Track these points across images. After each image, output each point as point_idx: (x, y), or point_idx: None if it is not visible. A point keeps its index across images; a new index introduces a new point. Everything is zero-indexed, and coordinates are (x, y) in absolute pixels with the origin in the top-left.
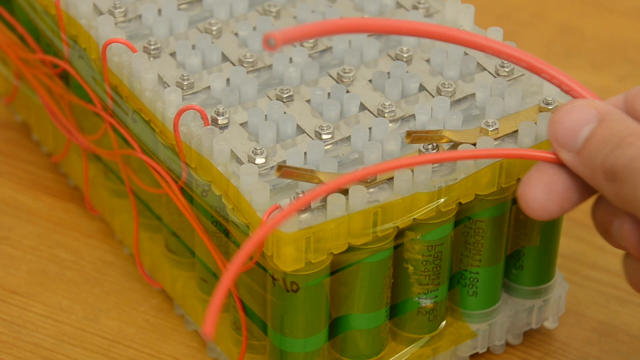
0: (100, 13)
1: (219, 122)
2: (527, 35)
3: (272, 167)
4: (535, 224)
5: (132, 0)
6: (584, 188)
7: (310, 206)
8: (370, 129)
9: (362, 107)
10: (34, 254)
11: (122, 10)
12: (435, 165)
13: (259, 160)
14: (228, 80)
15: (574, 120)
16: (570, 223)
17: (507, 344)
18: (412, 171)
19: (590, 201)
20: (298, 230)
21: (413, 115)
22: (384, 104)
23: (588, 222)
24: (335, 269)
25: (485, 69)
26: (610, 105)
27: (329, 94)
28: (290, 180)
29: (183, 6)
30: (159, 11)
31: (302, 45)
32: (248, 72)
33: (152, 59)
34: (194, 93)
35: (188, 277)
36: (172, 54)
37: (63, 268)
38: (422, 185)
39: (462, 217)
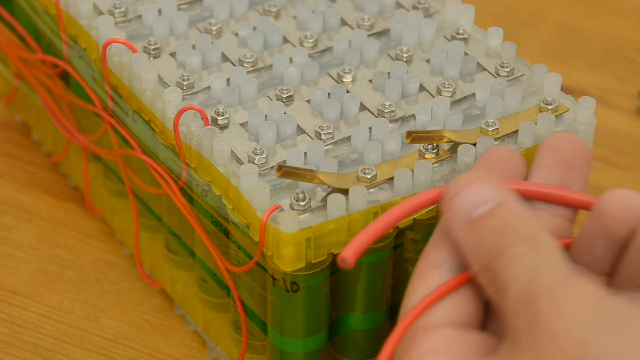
0: (100, 13)
1: (219, 122)
2: (527, 35)
3: (272, 167)
4: None
5: (132, 0)
6: None
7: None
8: (370, 129)
9: (362, 107)
10: (34, 254)
11: (122, 10)
12: (435, 165)
13: (259, 160)
14: (228, 80)
15: (473, 193)
16: None
17: None
18: (412, 171)
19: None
20: (298, 230)
21: (413, 115)
22: (384, 104)
23: None
24: (335, 269)
25: (485, 69)
26: (509, 190)
27: (329, 94)
28: (290, 180)
29: (183, 6)
30: (159, 11)
31: (302, 45)
32: (248, 72)
33: (152, 59)
34: (194, 93)
35: (188, 277)
36: (172, 54)
37: (63, 268)
38: (422, 185)
39: None
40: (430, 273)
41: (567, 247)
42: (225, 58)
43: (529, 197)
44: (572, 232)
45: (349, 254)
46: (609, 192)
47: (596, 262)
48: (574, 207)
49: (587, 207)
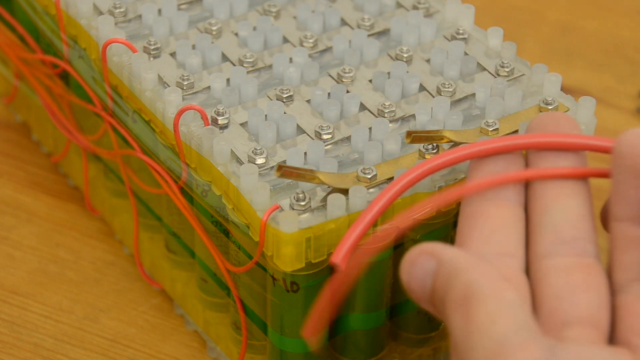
0: (100, 13)
1: (219, 122)
2: (527, 35)
3: (272, 167)
4: None
5: (132, 0)
6: None
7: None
8: (370, 129)
9: (362, 107)
10: (34, 254)
11: (122, 10)
12: None
13: (259, 160)
14: (228, 80)
15: (419, 272)
16: None
17: None
18: None
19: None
20: (298, 230)
21: (413, 115)
22: (384, 104)
23: None
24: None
25: (485, 69)
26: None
27: (329, 94)
28: (290, 180)
29: (183, 6)
30: (159, 11)
31: (302, 45)
32: (248, 72)
33: (152, 59)
34: (194, 93)
35: (188, 277)
36: (172, 54)
37: (63, 268)
38: (422, 185)
39: None
40: None
41: (606, 208)
42: (225, 58)
43: (544, 149)
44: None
45: (338, 259)
46: (624, 133)
47: None
48: (593, 150)
49: (606, 150)
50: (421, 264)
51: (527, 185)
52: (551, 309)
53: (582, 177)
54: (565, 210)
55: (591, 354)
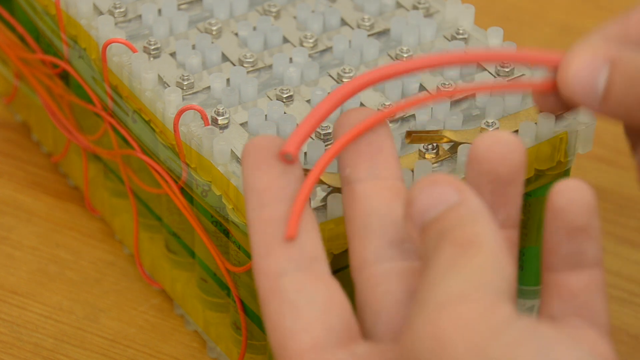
0: (100, 13)
1: (219, 122)
2: (527, 35)
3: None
4: (535, 224)
5: (132, 0)
6: None
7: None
8: None
9: None
10: (34, 254)
11: (122, 10)
12: (435, 165)
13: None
14: (228, 80)
15: (428, 197)
16: None
17: None
18: (412, 172)
19: None
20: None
21: (413, 115)
22: (384, 104)
23: None
24: (335, 269)
25: (485, 69)
26: (468, 190)
27: (328, 94)
28: None
29: (183, 6)
30: (159, 11)
31: (302, 45)
32: (248, 72)
33: (152, 59)
34: (194, 93)
35: (188, 277)
36: (172, 54)
37: (63, 268)
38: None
39: None
40: None
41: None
42: (225, 58)
43: (481, 61)
44: None
45: (291, 148)
46: (479, 136)
47: (498, 214)
48: (535, 64)
49: (551, 63)
50: (442, 192)
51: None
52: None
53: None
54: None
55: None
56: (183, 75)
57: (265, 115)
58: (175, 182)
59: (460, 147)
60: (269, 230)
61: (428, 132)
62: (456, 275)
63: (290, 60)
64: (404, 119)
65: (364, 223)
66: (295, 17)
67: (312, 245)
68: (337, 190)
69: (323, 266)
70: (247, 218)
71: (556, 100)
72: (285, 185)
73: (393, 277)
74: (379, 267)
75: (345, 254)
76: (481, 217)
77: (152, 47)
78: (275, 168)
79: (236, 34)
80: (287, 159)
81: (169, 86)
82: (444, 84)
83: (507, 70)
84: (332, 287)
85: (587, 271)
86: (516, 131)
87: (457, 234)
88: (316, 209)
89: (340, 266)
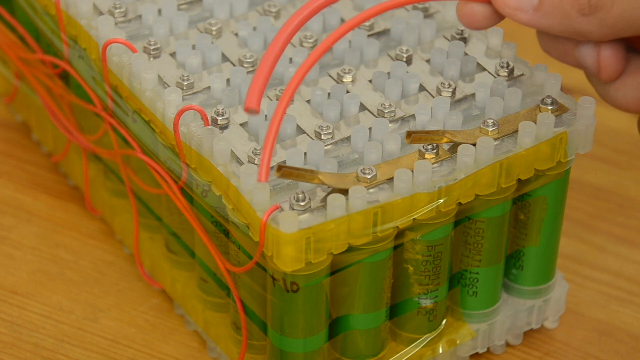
0: (100, 13)
1: (219, 122)
2: (527, 35)
3: (272, 167)
4: (535, 224)
5: (132, 0)
6: None
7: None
8: (370, 129)
9: (362, 107)
10: (34, 254)
11: (122, 10)
12: (435, 165)
13: (259, 161)
14: (228, 80)
15: None
16: (570, 223)
17: (507, 344)
18: (412, 172)
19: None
20: (298, 230)
21: (413, 115)
22: (384, 104)
23: (588, 222)
24: (335, 269)
25: (485, 69)
26: None
27: (329, 94)
28: (290, 181)
29: (183, 6)
30: (159, 11)
31: (302, 45)
32: (248, 72)
33: (152, 59)
34: (194, 93)
35: (188, 277)
36: (172, 54)
37: (63, 268)
38: (422, 185)
39: (462, 217)
40: None
41: None
42: (225, 58)
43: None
44: None
45: (252, 104)
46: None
47: None
48: None
49: None
50: None
51: None
52: None
53: None
54: None
55: None
56: (183, 76)
57: (265, 116)
58: (175, 182)
59: (460, 147)
60: None
61: (428, 132)
62: None
63: (290, 60)
64: (404, 119)
65: None
66: None
67: None
68: (337, 190)
69: None
70: None
71: (483, 10)
72: None
73: None
74: None
75: (345, 254)
76: None
77: (152, 47)
78: None
79: (236, 34)
80: (251, 113)
81: (169, 86)
82: (444, 84)
83: (507, 70)
84: None
85: None
86: (516, 131)
87: None
88: (316, 209)
89: (341, 266)
